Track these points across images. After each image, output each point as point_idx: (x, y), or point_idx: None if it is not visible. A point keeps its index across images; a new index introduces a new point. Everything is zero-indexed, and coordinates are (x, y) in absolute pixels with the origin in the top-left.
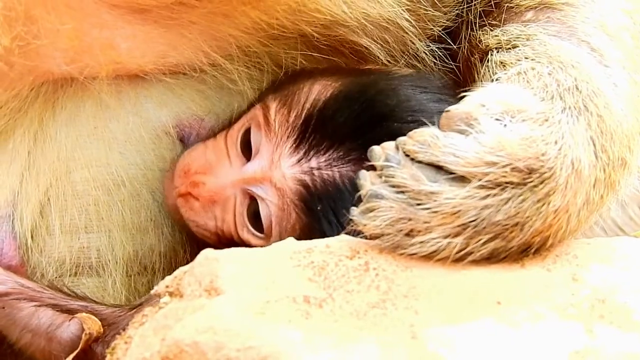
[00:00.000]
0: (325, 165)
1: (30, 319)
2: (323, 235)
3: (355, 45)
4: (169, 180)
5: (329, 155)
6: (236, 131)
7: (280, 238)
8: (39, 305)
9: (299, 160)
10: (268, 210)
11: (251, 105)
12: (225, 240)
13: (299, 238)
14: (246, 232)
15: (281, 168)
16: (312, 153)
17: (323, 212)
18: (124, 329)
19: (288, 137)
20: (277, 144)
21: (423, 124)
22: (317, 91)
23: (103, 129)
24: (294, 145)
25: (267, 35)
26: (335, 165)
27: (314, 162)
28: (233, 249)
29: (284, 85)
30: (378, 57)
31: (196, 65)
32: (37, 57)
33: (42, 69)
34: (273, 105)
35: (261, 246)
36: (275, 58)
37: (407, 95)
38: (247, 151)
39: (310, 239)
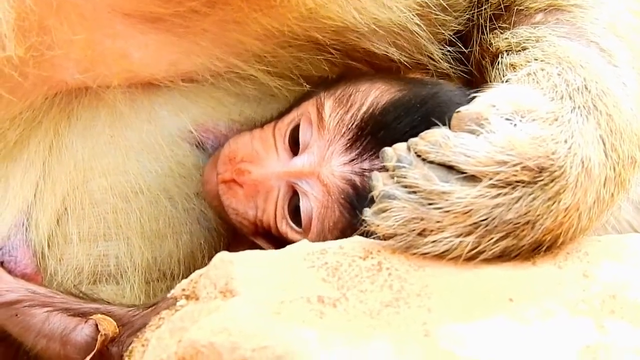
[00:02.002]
0: (379, 168)
1: (43, 325)
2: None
3: (367, 50)
4: (211, 166)
5: None
6: (285, 125)
7: (322, 235)
8: (52, 310)
9: (351, 160)
10: (310, 206)
11: (301, 100)
12: (262, 231)
13: (339, 237)
14: (285, 224)
15: (331, 165)
16: (365, 155)
17: None
18: (139, 330)
19: (342, 136)
20: (329, 142)
21: None
22: (374, 95)
23: (119, 138)
24: (347, 144)
25: (279, 41)
26: None
27: (366, 164)
28: (247, 251)
29: (338, 84)
30: (392, 62)
31: (209, 72)
32: (51, 68)
33: (56, 79)
34: (328, 103)
35: (298, 241)
36: (288, 64)
37: (459, 100)
38: (294, 146)
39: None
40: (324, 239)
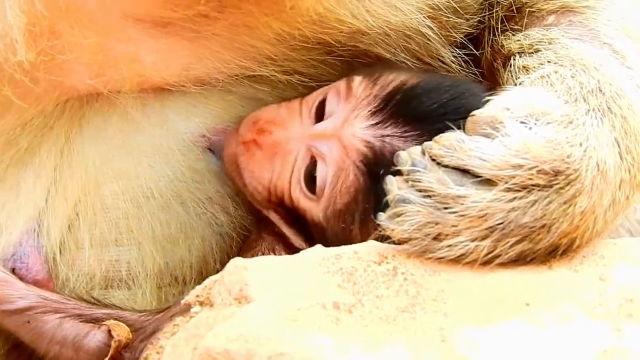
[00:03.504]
0: (399, 137)
1: (56, 331)
2: (375, 203)
3: (378, 53)
4: (234, 131)
5: (405, 129)
6: (313, 97)
7: (332, 198)
8: (64, 317)
9: (372, 125)
10: (326, 170)
11: (331, 81)
12: (275, 200)
13: (351, 202)
14: (298, 190)
15: (354, 127)
16: (389, 122)
17: (383, 179)
18: (152, 335)
19: (369, 103)
20: (355, 107)
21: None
22: (404, 76)
23: (130, 142)
24: (372, 110)
25: (290, 45)
26: (409, 140)
27: (388, 131)
28: (262, 257)
29: (369, 67)
30: (404, 63)
31: (221, 76)
32: (62, 72)
33: (67, 84)
34: (358, 78)
35: (309, 209)
36: (299, 66)
37: (481, 92)
38: (319, 117)
39: (362, 204)
40: (334, 204)
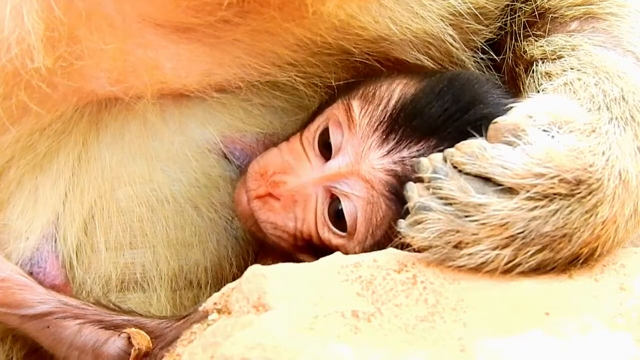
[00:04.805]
0: (417, 153)
1: (75, 337)
2: None
3: (399, 59)
4: (240, 187)
5: (421, 145)
6: (312, 132)
7: (370, 232)
8: (84, 323)
9: (389, 152)
10: (353, 207)
11: (323, 107)
12: (302, 243)
13: (388, 230)
14: (327, 231)
15: (370, 160)
16: (403, 144)
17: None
18: (171, 343)
19: (375, 130)
20: (363, 138)
21: (506, 106)
22: (399, 88)
23: (146, 147)
24: (382, 137)
25: (311, 51)
26: (427, 152)
27: (405, 153)
28: (280, 264)
29: (357, 85)
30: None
31: (241, 82)
32: (81, 78)
33: (86, 90)
34: (355, 103)
35: (342, 246)
36: (320, 74)
37: (485, 81)
38: (325, 151)
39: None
40: (373, 236)
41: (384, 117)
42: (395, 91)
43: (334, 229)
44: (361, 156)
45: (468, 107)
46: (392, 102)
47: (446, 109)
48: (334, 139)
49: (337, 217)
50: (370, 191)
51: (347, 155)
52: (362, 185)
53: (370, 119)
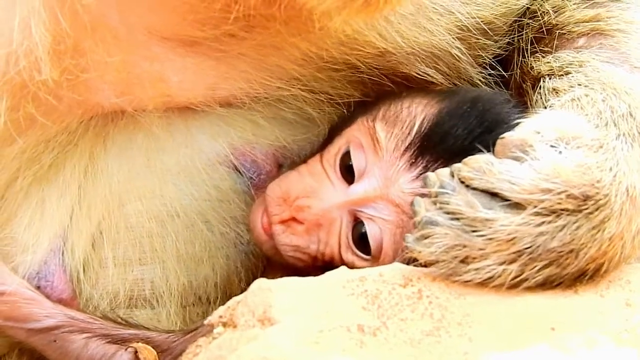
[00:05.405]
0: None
1: (82, 351)
2: None
3: (407, 74)
4: (256, 210)
5: (448, 167)
6: (333, 155)
7: (397, 255)
8: (90, 337)
9: (418, 175)
10: (377, 230)
11: (341, 127)
12: (322, 264)
13: None
14: (351, 254)
15: (399, 184)
16: (431, 167)
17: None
18: (178, 357)
19: (403, 154)
20: (390, 162)
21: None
22: (422, 109)
23: (155, 161)
24: (410, 161)
25: (318, 66)
26: None
27: None
28: (286, 278)
29: (377, 106)
30: (434, 84)
31: (247, 96)
32: (86, 90)
33: (91, 102)
34: (379, 126)
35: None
36: (326, 88)
37: (505, 101)
38: (347, 174)
39: None
40: (401, 258)
41: (411, 141)
42: (418, 113)
43: (358, 252)
44: (390, 180)
45: (492, 128)
46: (417, 125)
47: (471, 130)
48: (357, 162)
49: (361, 240)
50: (399, 214)
51: (374, 179)
52: (392, 210)
53: (397, 143)
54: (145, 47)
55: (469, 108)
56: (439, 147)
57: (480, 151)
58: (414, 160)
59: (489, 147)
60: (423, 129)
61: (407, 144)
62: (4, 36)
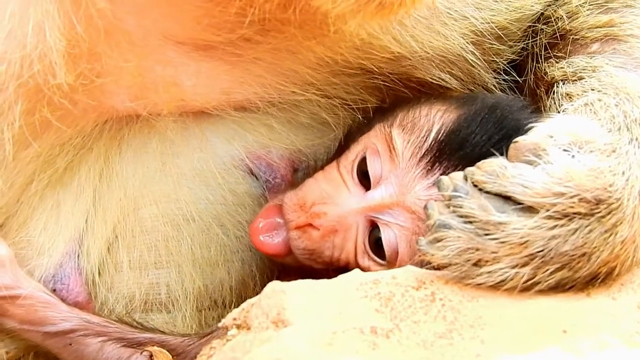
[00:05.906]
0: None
1: (97, 354)
2: None
3: (421, 79)
4: (272, 215)
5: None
6: (350, 161)
7: (412, 260)
8: (106, 340)
9: (434, 183)
10: (393, 235)
11: (358, 134)
12: (336, 269)
13: None
14: (367, 259)
15: (416, 192)
16: (449, 174)
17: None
18: None
19: (419, 161)
20: (406, 169)
21: None
22: (440, 116)
23: (170, 165)
24: (427, 168)
25: (333, 70)
26: None
27: None
28: (300, 280)
29: (394, 112)
30: (449, 89)
31: (261, 101)
32: (101, 94)
33: (106, 106)
34: (395, 132)
35: None
36: (341, 93)
37: (523, 107)
38: (364, 180)
39: None
40: (415, 263)
41: (428, 148)
42: (436, 120)
43: (374, 257)
44: (407, 187)
45: (511, 135)
46: (434, 132)
47: (490, 137)
48: (373, 168)
49: (377, 245)
50: (415, 221)
51: (391, 185)
52: (408, 216)
53: (413, 150)
54: (160, 51)
55: (487, 114)
56: (456, 154)
57: (495, 157)
58: (430, 167)
59: (506, 152)
60: (440, 136)
61: (424, 151)
62: (17, 39)
